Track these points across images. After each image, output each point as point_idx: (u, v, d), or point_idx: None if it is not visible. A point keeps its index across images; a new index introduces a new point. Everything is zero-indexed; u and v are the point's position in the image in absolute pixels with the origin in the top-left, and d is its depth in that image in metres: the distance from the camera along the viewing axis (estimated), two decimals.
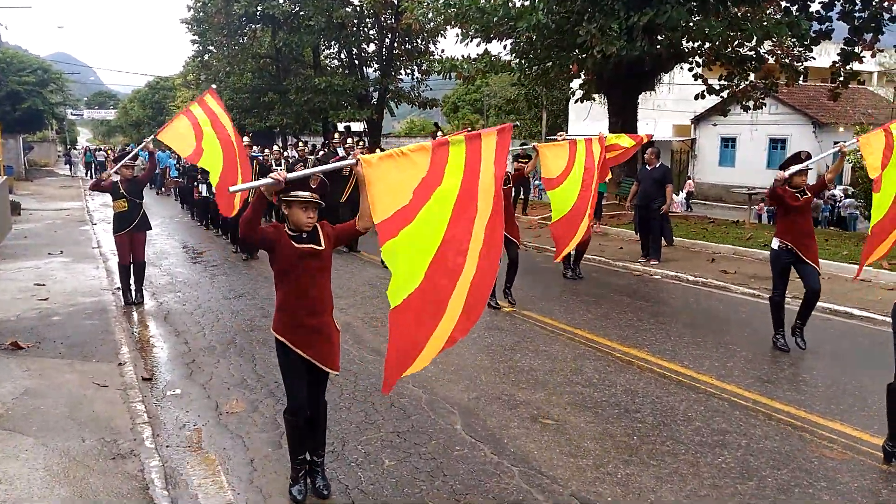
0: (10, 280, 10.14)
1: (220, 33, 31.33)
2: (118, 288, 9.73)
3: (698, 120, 32.68)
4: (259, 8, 28.99)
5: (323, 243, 4.13)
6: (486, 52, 19.01)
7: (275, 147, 19.34)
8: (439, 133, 12.63)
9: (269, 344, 7.24)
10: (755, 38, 16.42)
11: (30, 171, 37.51)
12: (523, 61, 18.49)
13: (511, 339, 7.36)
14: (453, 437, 5.02)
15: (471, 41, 19.38)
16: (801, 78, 20.42)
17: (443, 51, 33.44)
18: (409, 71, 32.46)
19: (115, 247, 9.03)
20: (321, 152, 14.99)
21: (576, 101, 20.78)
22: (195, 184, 15.47)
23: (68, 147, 47.29)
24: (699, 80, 20.06)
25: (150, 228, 9.10)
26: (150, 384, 6.16)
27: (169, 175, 21.95)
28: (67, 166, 40.59)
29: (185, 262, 12.35)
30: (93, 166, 35.15)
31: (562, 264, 10.74)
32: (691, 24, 15.87)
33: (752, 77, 20.36)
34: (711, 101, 30.80)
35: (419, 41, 32.58)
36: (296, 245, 4.04)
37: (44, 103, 33.91)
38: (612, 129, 19.76)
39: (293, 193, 3.98)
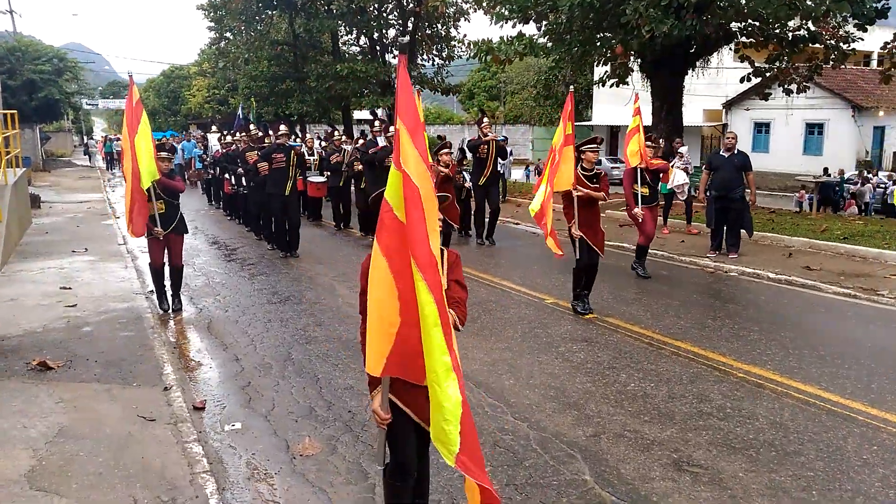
0: (34, 283, 9.21)
1: (237, 19, 30.25)
2: (151, 291, 8.79)
3: (730, 104, 31.43)
4: None
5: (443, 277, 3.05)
6: (521, 33, 17.90)
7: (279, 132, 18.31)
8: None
9: (331, 360, 6.28)
10: (812, 16, 15.23)
11: (47, 162, 36.70)
12: (562, 43, 17.38)
13: (607, 355, 6.35)
14: (586, 493, 4.02)
15: (506, 23, 18.30)
16: (845, 60, 19.18)
17: (465, 35, 32.08)
18: (430, 56, 31.35)
19: (148, 248, 8.02)
20: (360, 141, 13.95)
21: (611, 86, 19.63)
22: (225, 175, 14.48)
23: (84, 137, 46.12)
24: (744, 62, 18.86)
25: (188, 232, 8.13)
26: (203, 415, 5.20)
27: (194, 166, 20.78)
28: (87, 157, 39.38)
29: (219, 260, 11.39)
30: (113, 156, 34.18)
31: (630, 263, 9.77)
32: (747, 1, 14.69)
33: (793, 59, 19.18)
34: (744, 84, 29.72)
35: (440, 26, 31.49)
36: None
37: (60, 92, 32.91)
38: (655, 114, 18.66)
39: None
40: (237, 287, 9.28)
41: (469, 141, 11.85)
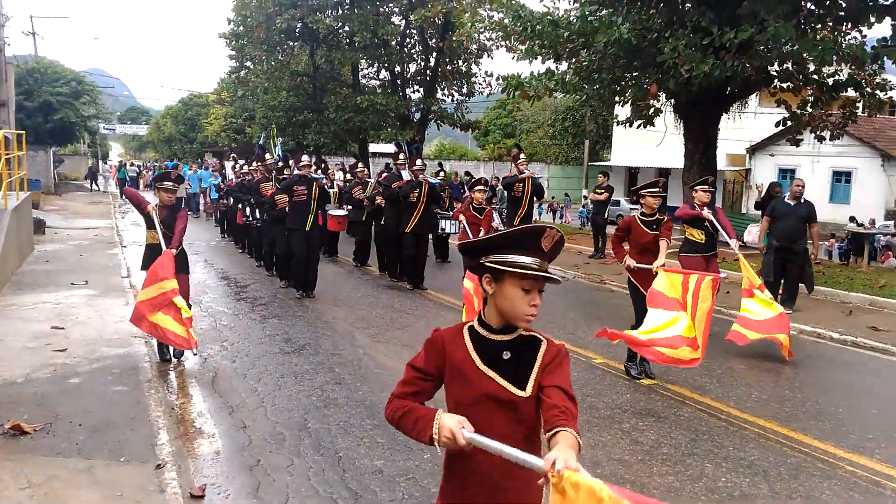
0: (24, 321, 8.26)
1: (259, 48, 29.76)
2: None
3: (754, 149, 30.64)
4: (301, 23, 27.37)
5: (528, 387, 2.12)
6: (549, 70, 17.14)
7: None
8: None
9: (354, 432, 5.26)
10: (861, 61, 14.37)
11: (59, 185, 36.08)
12: (593, 81, 16.59)
13: (683, 436, 5.32)
14: None
15: (534, 59, 17.55)
16: (882, 108, 18.30)
17: (486, 72, 31.56)
18: (451, 92, 30.76)
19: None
20: (383, 174, 13.09)
21: (637, 126, 18.79)
22: (239, 206, 13.60)
23: (91, 162, 44.92)
24: (780, 106, 18.01)
25: (188, 273, 7.14)
26: None
27: (209, 198, 19.55)
28: (88, 181, 37.33)
29: (228, 298, 10.43)
30: (126, 182, 33.52)
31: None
32: (793, 43, 13.86)
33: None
34: (768, 129, 28.89)
35: (461, 62, 30.96)
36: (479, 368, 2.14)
37: (76, 115, 32.42)
38: (688, 157, 17.75)
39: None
40: (247, 332, 8.30)
41: (504, 178, 10.95)
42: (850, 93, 16.14)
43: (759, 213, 15.36)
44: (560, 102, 49.31)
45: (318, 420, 5.50)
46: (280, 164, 11.39)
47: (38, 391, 5.89)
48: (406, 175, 11.35)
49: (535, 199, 11.29)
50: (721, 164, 31.99)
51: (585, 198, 35.15)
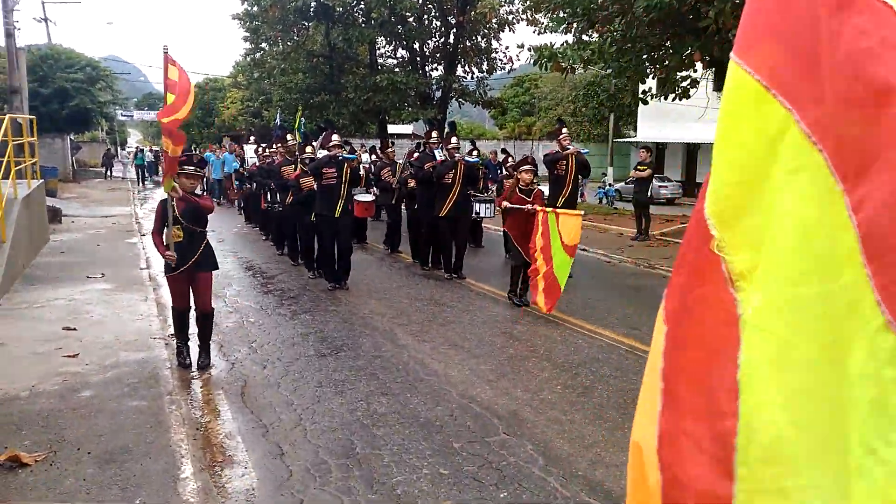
0: (34, 320, 7.48)
1: (274, 28, 28.79)
2: (172, 335, 7.04)
3: None
4: (316, 1, 26.33)
5: None
6: (581, 40, 16.04)
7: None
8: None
9: (411, 458, 4.37)
10: None
11: (77, 172, 35.45)
12: (632, 50, 15.49)
13: None
14: None
15: (567, 28, 16.48)
16: None
17: (507, 47, 30.37)
18: (472, 68, 29.68)
19: (169, 288, 6.26)
20: (415, 154, 12.17)
21: (673, 99, 17.65)
22: (263, 190, 12.75)
23: (107, 148, 44.00)
24: None
25: (217, 268, 6.28)
26: None
27: (234, 185, 18.34)
28: (104, 169, 36.22)
29: (254, 290, 9.61)
30: (144, 169, 32.70)
31: None
32: None
33: None
34: None
35: (480, 38, 29.85)
36: None
37: (92, 101, 31.63)
38: None
39: None
40: (277, 331, 7.47)
41: (545, 155, 9.98)
42: None
43: None
44: (579, 79, 48.03)
45: (366, 443, 4.66)
46: (304, 143, 10.46)
47: (44, 408, 5.09)
48: (439, 155, 10.42)
49: (580, 177, 10.32)
50: None
51: (604, 175, 33.96)
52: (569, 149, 9.94)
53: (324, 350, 6.72)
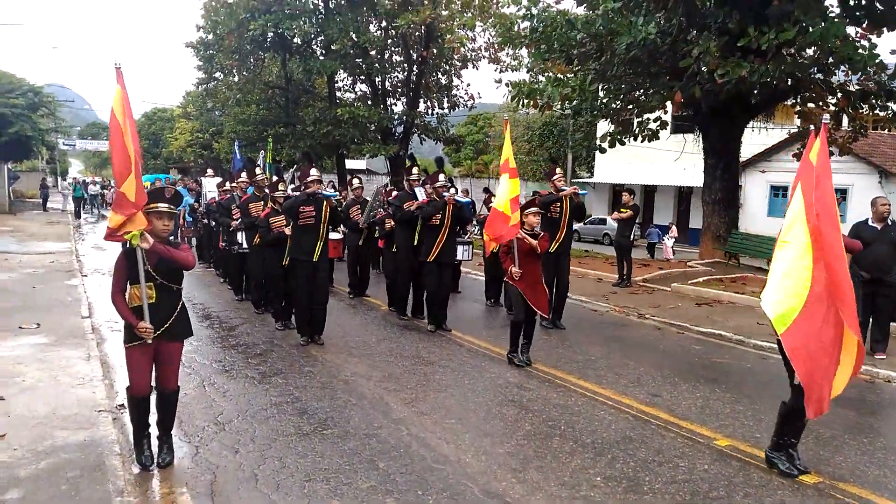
0: None
1: (230, 58, 27.62)
2: (121, 406, 5.86)
3: (745, 166, 29.38)
4: (276, 30, 25.35)
5: None
6: (556, 77, 15.42)
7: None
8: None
9: None
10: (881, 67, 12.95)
11: (15, 204, 33.24)
12: (611, 91, 14.94)
13: None
14: None
15: (542, 65, 15.89)
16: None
17: (468, 84, 30.06)
18: (433, 104, 29.08)
19: (127, 363, 4.76)
20: (393, 192, 11.22)
21: (642, 140, 17.17)
22: (221, 228, 11.57)
23: (43, 177, 41.27)
24: (801, 118, 16.62)
25: (191, 334, 5.06)
26: None
27: (184, 219, 16.88)
28: (41, 201, 33.55)
29: (214, 345, 8.41)
30: (83, 201, 30.61)
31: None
32: (838, 45, 12.40)
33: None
34: (758, 146, 27.77)
35: (441, 75, 29.34)
36: None
37: (33, 129, 29.75)
38: (709, 173, 16.23)
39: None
40: (246, 399, 6.31)
41: (541, 196, 9.13)
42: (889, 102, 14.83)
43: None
44: (533, 119, 48.07)
45: None
46: (275, 178, 9.39)
47: None
48: (420, 193, 9.48)
49: (574, 220, 9.52)
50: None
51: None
52: (564, 190, 9.14)
53: (305, 427, 5.61)
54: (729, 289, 12.69)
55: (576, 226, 33.95)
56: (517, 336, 7.52)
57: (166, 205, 4.51)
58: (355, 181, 11.93)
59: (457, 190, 12.47)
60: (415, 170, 9.93)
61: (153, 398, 4.83)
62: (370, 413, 5.94)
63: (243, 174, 11.15)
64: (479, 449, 5.18)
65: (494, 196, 11.74)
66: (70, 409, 5.75)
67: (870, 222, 8.41)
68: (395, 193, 10.62)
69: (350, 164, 40.76)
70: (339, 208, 9.92)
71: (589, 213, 38.23)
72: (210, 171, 15.20)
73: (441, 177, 9.23)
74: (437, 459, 4.98)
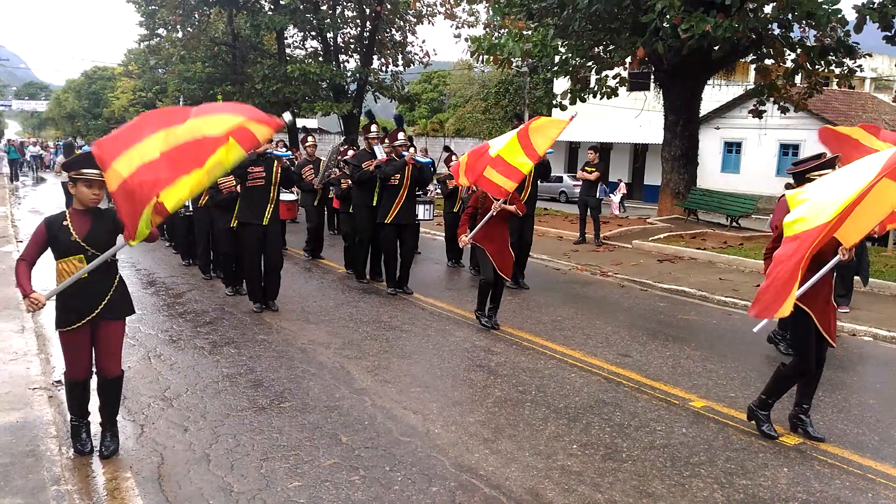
0: None
1: (173, 13, 26.30)
2: (58, 383, 5.39)
3: (699, 123, 29.50)
4: None
5: None
6: (517, 31, 14.95)
7: None
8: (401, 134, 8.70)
9: None
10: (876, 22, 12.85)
11: None
12: (573, 47, 14.53)
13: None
14: None
15: (501, 20, 15.40)
16: (852, 77, 17.15)
17: (423, 41, 29.27)
18: (388, 62, 28.30)
19: (62, 348, 4.22)
20: (350, 151, 10.72)
21: (600, 98, 16.88)
22: None
23: None
24: (761, 74, 16.52)
25: (132, 312, 4.47)
26: None
27: None
28: None
29: (160, 313, 7.90)
30: (17, 164, 28.79)
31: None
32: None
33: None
34: (712, 103, 27.79)
35: (395, 31, 28.53)
36: None
37: None
38: (669, 130, 16.08)
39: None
40: (195, 371, 5.88)
41: None
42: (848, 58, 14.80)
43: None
44: (488, 76, 47.38)
45: None
46: None
47: None
48: (380, 152, 9.01)
49: (539, 179, 9.20)
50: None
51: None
52: None
53: (261, 400, 5.23)
54: (689, 245, 12.63)
55: None
56: (485, 297, 7.23)
57: (96, 171, 3.92)
58: (309, 139, 11.35)
59: (416, 149, 12.02)
60: (374, 127, 9.43)
61: (94, 382, 4.35)
62: (330, 383, 5.58)
63: None
64: (448, 419, 4.88)
65: (455, 155, 11.36)
66: (0, 388, 5.25)
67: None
68: (350, 152, 10.12)
69: (302, 122, 39.68)
70: (292, 168, 9.44)
71: None
72: None
73: (400, 135, 8.80)
74: (404, 431, 4.67)
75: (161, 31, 29.57)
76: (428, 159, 8.70)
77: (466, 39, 14.35)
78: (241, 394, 5.33)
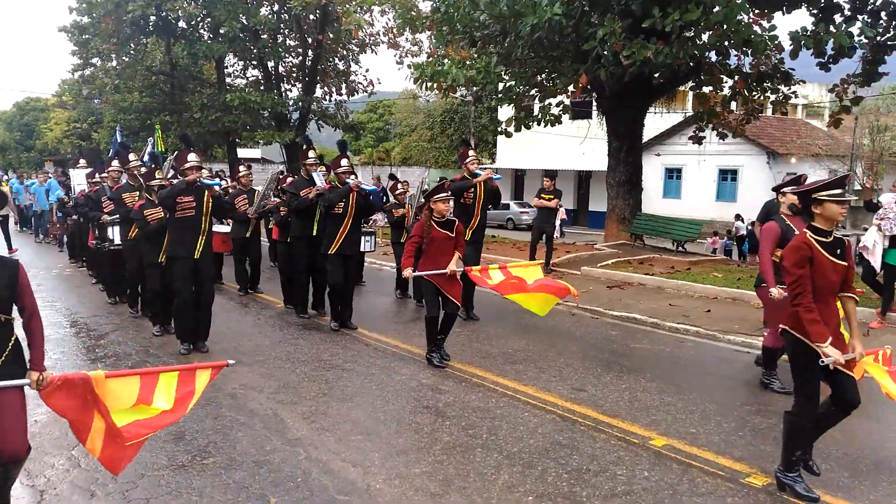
0: None
1: (107, 41, 25.42)
2: None
3: (641, 149, 29.95)
4: (157, 13, 23.49)
5: None
6: (460, 60, 14.75)
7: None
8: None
9: None
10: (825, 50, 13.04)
11: None
12: (516, 74, 14.39)
13: None
14: None
15: (444, 48, 15.20)
16: (787, 103, 17.56)
17: (367, 69, 29.00)
18: (331, 90, 27.94)
19: None
20: (288, 178, 10.22)
21: (545, 125, 16.82)
22: (91, 224, 10.19)
23: None
24: (700, 101, 16.71)
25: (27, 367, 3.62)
26: None
27: (54, 216, 14.83)
28: None
29: (79, 356, 7.20)
30: None
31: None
32: (740, 26, 12.31)
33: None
34: (653, 129, 28.25)
35: (338, 60, 28.25)
36: None
37: None
38: (613, 156, 16.05)
39: None
40: None
41: (452, 181, 8.37)
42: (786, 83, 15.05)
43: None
44: (433, 106, 47.52)
45: None
46: (152, 166, 8.23)
47: None
48: (319, 179, 8.55)
49: (489, 207, 8.88)
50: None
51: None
52: (478, 174, 8.46)
53: (182, 456, 4.66)
54: (638, 270, 12.46)
55: None
56: (434, 333, 6.78)
57: None
58: (242, 168, 10.81)
59: (356, 177, 11.60)
60: (311, 153, 8.97)
61: None
62: (261, 434, 5.04)
63: (114, 162, 9.82)
64: (391, 471, 4.41)
65: (401, 183, 10.98)
66: None
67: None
68: (289, 180, 9.62)
69: (243, 152, 38.83)
70: (226, 197, 8.91)
71: None
72: (83, 162, 13.53)
73: (343, 161, 8.34)
74: (342, 489, 4.17)
75: (95, 60, 28.59)
76: (374, 187, 8.25)
77: (409, 66, 14.07)
78: (159, 449, 4.75)
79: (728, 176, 28.00)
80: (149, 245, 7.68)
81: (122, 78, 26.79)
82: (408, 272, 6.68)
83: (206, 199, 6.85)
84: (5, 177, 24.83)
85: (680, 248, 16.05)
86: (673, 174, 29.89)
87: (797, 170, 28.36)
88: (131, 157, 8.86)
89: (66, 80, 42.41)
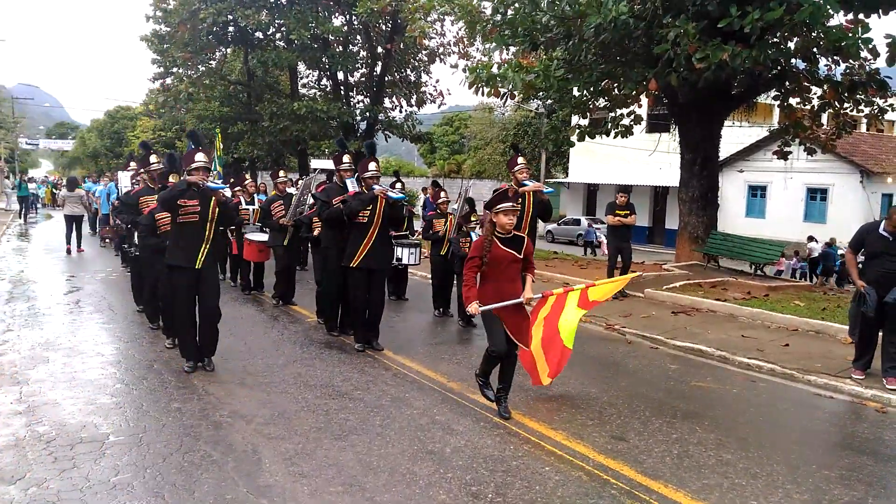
0: None
1: (184, 50, 25.80)
2: None
3: (721, 166, 28.15)
4: (228, 18, 23.60)
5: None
6: (519, 63, 13.81)
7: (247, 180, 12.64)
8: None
9: None
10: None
11: None
12: (580, 79, 13.36)
13: None
14: None
15: (506, 50, 14.35)
16: (883, 115, 15.75)
17: (437, 80, 28.51)
18: (399, 101, 27.52)
19: None
20: (321, 186, 9.60)
21: (615, 136, 15.70)
22: (128, 227, 9.77)
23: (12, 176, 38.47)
24: (786, 111, 15.18)
25: None
26: None
27: (113, 221, 14.18)
28: None
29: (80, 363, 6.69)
30: (28, 201, 27.86)
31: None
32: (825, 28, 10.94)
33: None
34: (735, 145, 26.48)
35: (409, 70, 27.81)
36: None
37: None
38: (685, 169, 14.73)
39: None
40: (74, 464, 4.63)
41: (495, 191, 7.48)
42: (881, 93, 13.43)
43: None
44: (508, 119, 46.67)
45: None
46: (169, 167, 7.70)
47: None
48: (351, 185, 7.83)
49: (538, 220, 7.94)
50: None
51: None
52: (526, 184, 7.54)
53: (134, 502, 3.94)
54: (709, 295, 11.21)
55: (549, 226, 32.66)
56: (492, 367, 5.60)
57: None
58: (280, 174, 10.23)
59: (402, 183, 10.86)
60: (346, 158, 8.24)
61: None
62: (228, 477, 4.27)
63: (132, 163, 9.39)
64: None
65: (444, 191, 10.18)
66: None
67: (881, 230, 6.93)
68: (320, 187, 8.94)
69: (320, 163, 38.99)
70: (240, 205, 8.28)
71: (563, 212, 36.83)
72: (133, 164, 13.35)
73: (371, 165, 7.55)
74: None
75: (174, 69, 29.18)
76: (400, 195, 7.45)
77: (464, 70, 13.28)
78: (106, 495, 4.04)
79: (817, 195, 25.89)
80: (158, 253, 7.12)
81: (197, 87, 27.14)
82: (473, 307, 5.21)
83: (212, 204, 6.20)
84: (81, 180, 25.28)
85: (758, 272, 14.59)
86: (757, 192, 27.94)
87: (893, 190, 26.01)
88: (152, 158, 8.36)
89: (152, 90, 44.00)
